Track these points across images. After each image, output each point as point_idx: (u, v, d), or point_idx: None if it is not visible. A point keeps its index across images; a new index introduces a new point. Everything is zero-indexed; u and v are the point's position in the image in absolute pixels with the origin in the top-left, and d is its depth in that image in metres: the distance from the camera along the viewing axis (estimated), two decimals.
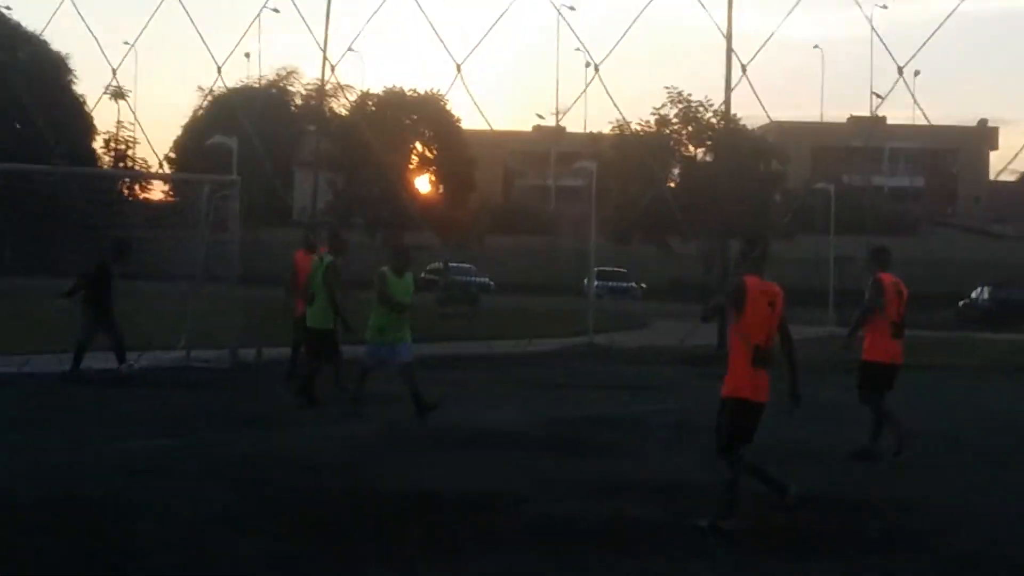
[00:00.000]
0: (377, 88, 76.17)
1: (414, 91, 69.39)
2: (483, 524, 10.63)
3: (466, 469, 13.49)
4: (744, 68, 7.91)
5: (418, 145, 68.61)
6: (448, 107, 69.21)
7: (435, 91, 69.37)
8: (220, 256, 25.42)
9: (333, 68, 58.98)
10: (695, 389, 22.74)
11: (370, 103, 68.26)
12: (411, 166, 68.25)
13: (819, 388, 22.90)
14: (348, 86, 80.00)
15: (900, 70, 7.53)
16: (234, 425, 16.53)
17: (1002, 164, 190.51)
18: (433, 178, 68.23)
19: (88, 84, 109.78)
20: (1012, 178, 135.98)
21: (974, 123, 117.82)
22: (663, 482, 12.75)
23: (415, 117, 67.90)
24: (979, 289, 64.92)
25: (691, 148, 64.99)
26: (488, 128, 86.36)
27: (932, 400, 21.98)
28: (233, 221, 25.45)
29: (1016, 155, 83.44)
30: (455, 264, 60.25)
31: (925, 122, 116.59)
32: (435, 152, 68.25)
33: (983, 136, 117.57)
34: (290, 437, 15.61)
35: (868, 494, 12.60)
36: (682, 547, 9.94)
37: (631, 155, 61.38)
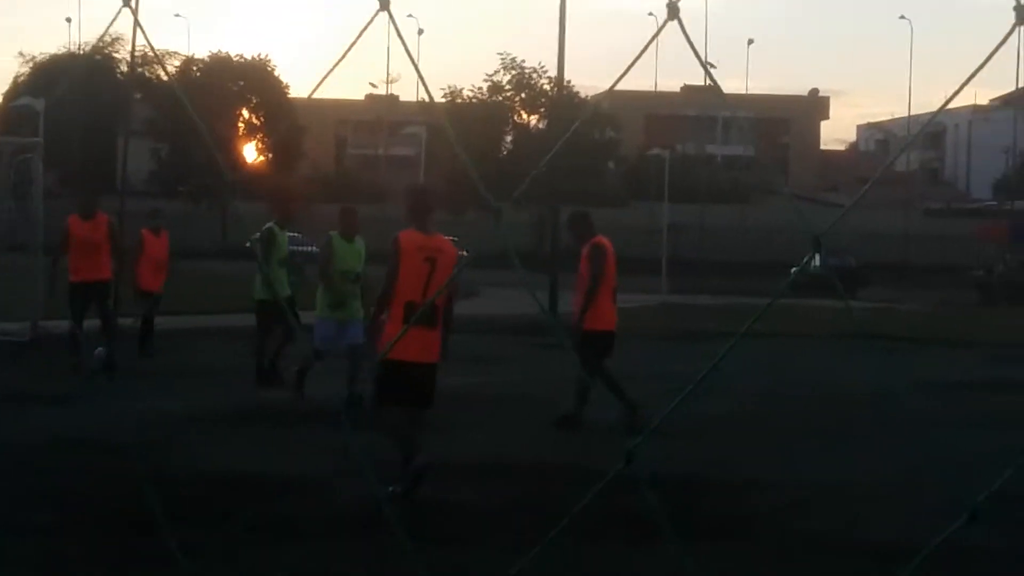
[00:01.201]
0: (202, 54, 74.42)
1: (240, 57, 67.77)
2: (289, 511, 9.62)
3: (274, 449, 12.43)
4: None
5: (245, 112, 67.00)
6: (276, 73, 67.80)
7: (262, 57, 67.87)
8: (23, 223, 23.90)
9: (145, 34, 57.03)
10: (526, 360, 21.93)
11: (195, 68, 66.47)
12: (238, 133, 66.61)
13: (659, 359, 22.41)
14: (173, 52, 77.95)
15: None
16: (25, 402, 15.19)
17: (833, 133, 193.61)
18: (260, 146, 66.65)
19: None
20: (842, 147, 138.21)
21: (805, 93, 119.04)
22: (480, 462, 11.78)
23: (241, 83, 66.27)
24: (810, 256, 65.30)
25: (524, 115, 64.33)
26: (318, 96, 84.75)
27: (770, 369, 21.36)
28: (36, 187, 23.90)
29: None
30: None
31: (758, 92, 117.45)
32: (262, 120, 66.70)
33: (814, 106, 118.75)
34: (86, 415, 14.36)
35: (713, 473, 11.79)
36: (495, 532, 8.98)
37: (463, 122, 60.56)
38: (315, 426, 13.46)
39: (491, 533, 9.12)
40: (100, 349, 18.01)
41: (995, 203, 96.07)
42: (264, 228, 17.08)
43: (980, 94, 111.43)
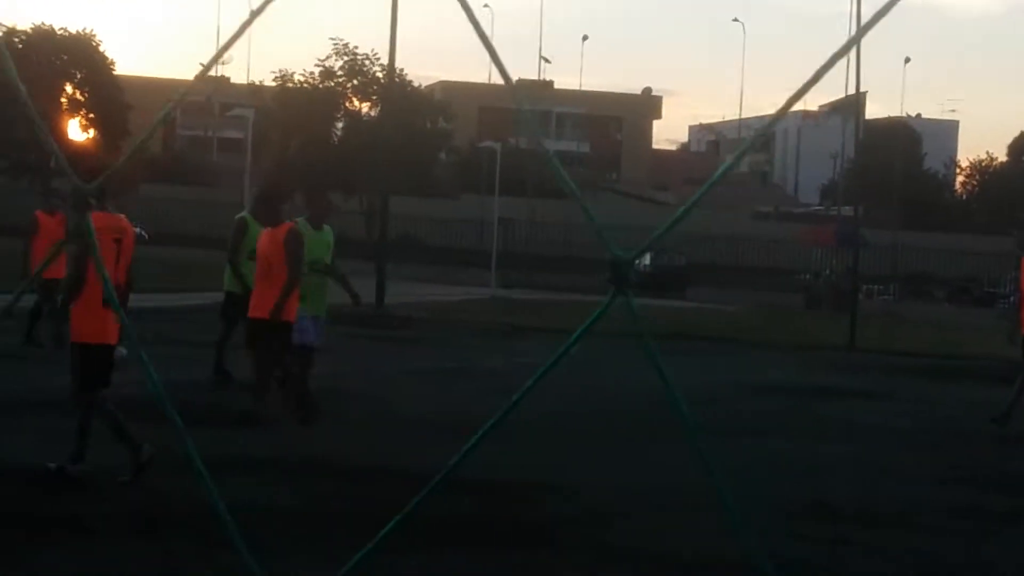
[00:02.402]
0: (25, 25, 72.24)
1: (64, 30, 65.90)
2: (81, 508, 9.06)
3: (60, 440, 11.77)
4: None
5: (68, 88, 65.16)
6: (101, 48, 66.08)
7: (87, 31, 66.12)
8: None
9: None
10: (348, 351, 21.41)
11: (17, 40, 64.42)
12: (61, 109, 64.75)
13: (486, 354, 22.08)
14: None
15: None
16: None
17: (664, 133, 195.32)
18: (84, 123, 64.90)
19: None
20: (673, 147, 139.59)
21: (639, 92, 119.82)
22: (280, 458, 11.26)
23: (65, 57, 64.44)
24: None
25: (356, 102, 63.56)
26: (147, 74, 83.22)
27: (590, 371, 21.08)
28: None
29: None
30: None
31: (592, 88, 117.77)
32: (87, 95, 64.95)
33: (647, 105, 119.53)
34: None
35: (518, 478, 11.40)
36: (308, 536, 8.51)
37: (293, 107, 59.70)
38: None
39: (304, 536, 8.64)
40: None
41: (822, 207, 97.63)
42: (237, 217, 16.54)
43: (810, 100, 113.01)
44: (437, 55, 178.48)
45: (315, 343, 14.10)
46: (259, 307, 12.96)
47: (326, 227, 14.50)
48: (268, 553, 7.76)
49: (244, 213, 16.68)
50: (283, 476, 10.61)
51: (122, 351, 16.34)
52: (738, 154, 2.27)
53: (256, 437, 12.36)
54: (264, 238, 13.37)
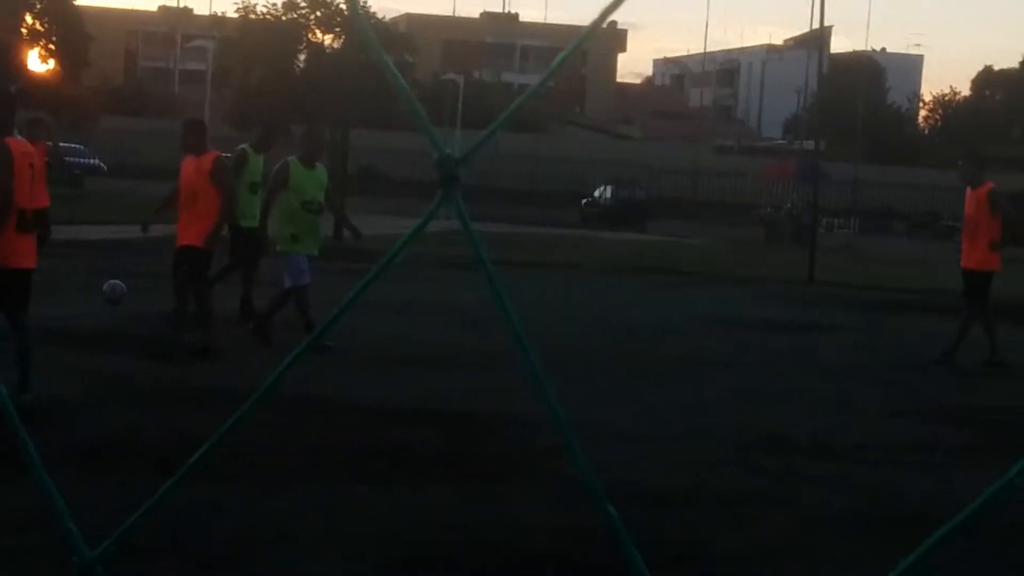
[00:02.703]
0: None
1: None
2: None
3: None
4: None
5: (28, 17, 64.46)
6: None
7: None
8: None
9: None
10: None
11: None
12: (20, 39, 64.09)
13: (446, 287, 22.07)
14: None
15: None
16: None
17: (629, 67, 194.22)
18: (44, 53, 64.22)
19: None
20: (638, 81, 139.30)
21: (604, 25, 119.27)
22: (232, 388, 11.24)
23: None
24: (602, 188, 65.67)
25: (319, 34, 63.05)
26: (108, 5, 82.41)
27: (551, 300, 21.12)
28: None
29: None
30: (65, 144, 57.03)
31: (556, 22, 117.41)
32: (46, 26, 64.26)
33: (612, 38, 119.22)
34: None
35: (478, 409, 11.44)
36: (251, 467, 8.52)
37: (255, 38, 59.17)
38: (69, 348, 12.82)
39: (248, 467, 8.65)
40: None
41: (785, 141, 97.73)
42: (237, 148, 16.31)
43: (775, 34, 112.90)
44: None
45: (309, 282, 14.16)
46: (184, 236, 13.31)
47: (319, 166, 14.49)
48: (214, 480, 7.77)
49: (245, 146, 16.42)
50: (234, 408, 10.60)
51: (118, 284, 16.13)
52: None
53: (210, 369, 12.39)
54: (189, 167, 13.47)
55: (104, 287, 15.61)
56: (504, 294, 1.08)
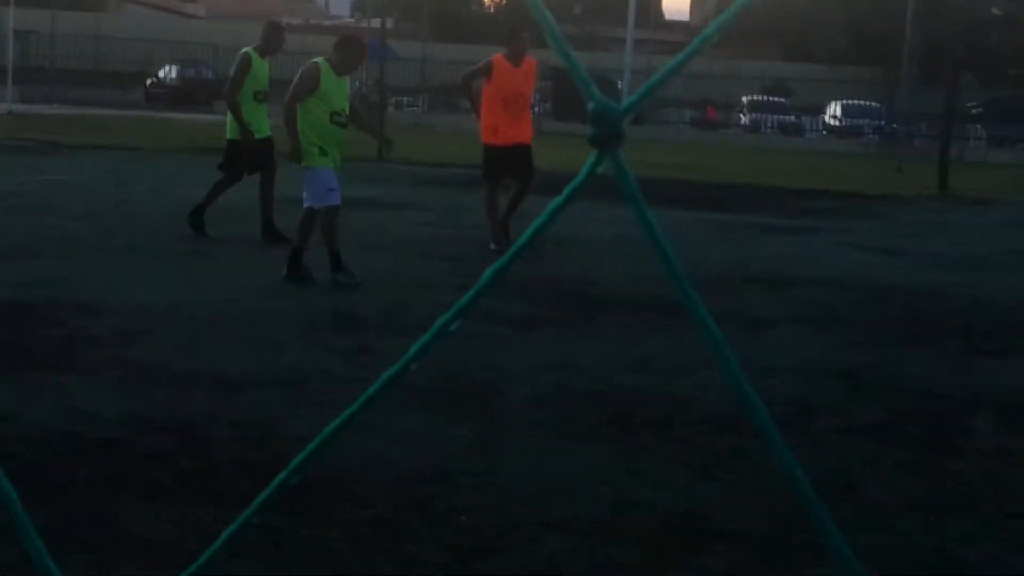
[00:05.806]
0: None
1: None
2: None
3: None
4: None
5: None
6: None
7: None
8: None
9: None
10: None
11: None
12: None
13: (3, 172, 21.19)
14: None
15: None
16: None
17: None
18: None
19: None
20: None
21: None
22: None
23: None
24: (167, 68, 64.44)
25: None
26: None
27: (115, 181, 20.61)
28: None
29: None
30: None
31: None
32: None
33: None
34: None
35: (47, 298, 11.08)
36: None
37: None
38: None
39: None
40: None
41: (352, 20, 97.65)
42: (240, 52, 14.88)
43: None
44: None
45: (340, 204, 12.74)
46: None
47: (345, 76, 12.74)
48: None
49: (247, 49, 15.04)
50: None
51: None
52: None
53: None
54: None
55: None
56: (667, 242, 1.02)
